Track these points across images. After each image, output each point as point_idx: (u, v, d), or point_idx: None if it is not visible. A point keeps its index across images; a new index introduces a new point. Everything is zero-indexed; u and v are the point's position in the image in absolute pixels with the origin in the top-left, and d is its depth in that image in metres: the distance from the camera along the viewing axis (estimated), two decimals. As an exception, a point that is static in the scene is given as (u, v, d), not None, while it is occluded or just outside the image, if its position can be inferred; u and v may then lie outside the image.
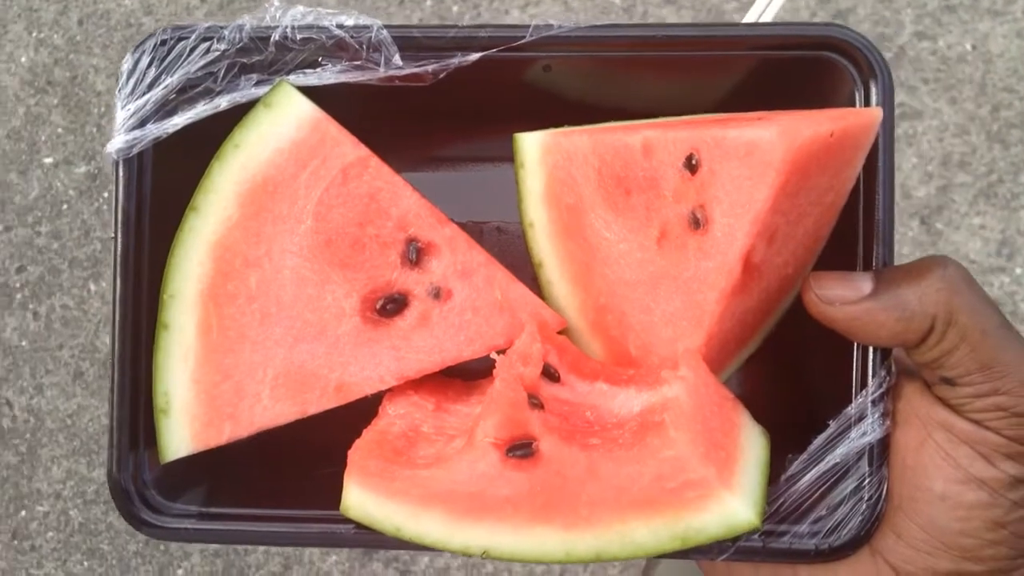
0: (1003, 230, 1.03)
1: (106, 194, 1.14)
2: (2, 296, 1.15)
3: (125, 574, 1.14)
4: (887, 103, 0.43)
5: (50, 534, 1.15)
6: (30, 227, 1.15)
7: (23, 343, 1.14)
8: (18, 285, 1.15)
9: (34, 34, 1.17)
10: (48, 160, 1.15)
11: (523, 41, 0.45)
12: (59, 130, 1.15)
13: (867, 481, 0.43)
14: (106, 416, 1.11)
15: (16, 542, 1.15)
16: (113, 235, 0.46)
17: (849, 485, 0.43)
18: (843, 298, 0.41)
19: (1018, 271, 1.03)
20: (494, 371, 0.44)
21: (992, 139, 1.03)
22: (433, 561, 1.04)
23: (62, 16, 1.17)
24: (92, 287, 1.14)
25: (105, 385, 1.14)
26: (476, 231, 0.55)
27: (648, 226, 0.45)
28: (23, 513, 1.15)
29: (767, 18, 0.54)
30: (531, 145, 0.48)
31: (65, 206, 1.15)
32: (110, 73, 1.17)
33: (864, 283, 0.41)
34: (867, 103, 0.44)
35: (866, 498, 0.43)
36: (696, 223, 0.44)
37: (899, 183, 0.99)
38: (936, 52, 1.05)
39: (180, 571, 1.13)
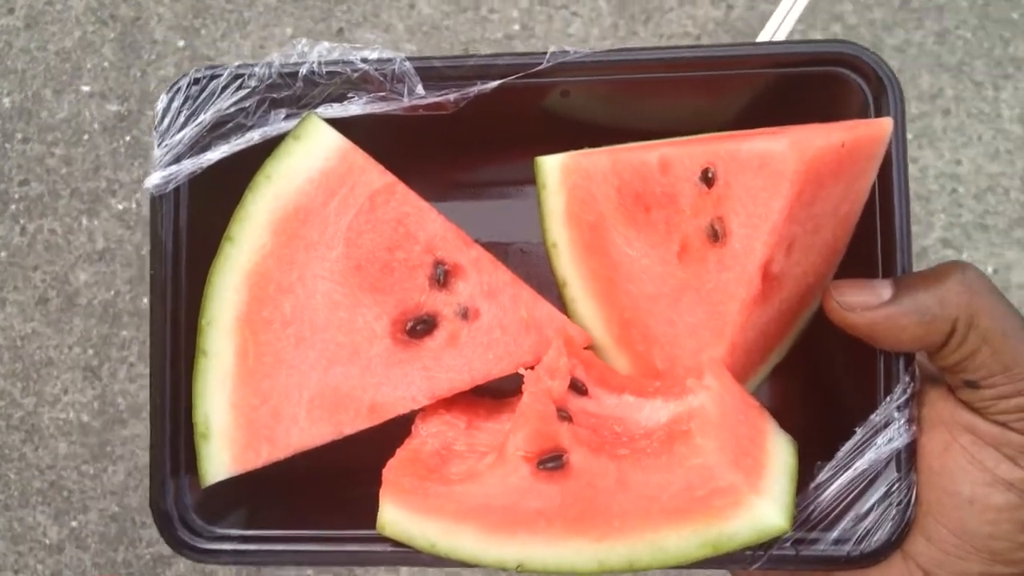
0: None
1: (128, 137, 1.16)
2: None
3: (23, 508, 1.14)
4: (898, 114, 0.44)
5: None
6: (46, 145, 1.16)
7: (1, 254, 1.16)
8: (16, 197, 1.16)
9: None
10: (86, 88, 1.17)
11: (541, 67, 0.46)
12: (105, 64, 1.17)
13: (896, 487, 0.43)
14: (54, 349, 1.13)
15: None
16: (151, 269, 0.48)
17: (878, 491, 0.43)
18: (864, 304, 0.42)
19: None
20: (523, 386, 0.45)
21: None
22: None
23: None
24: (84, 221, 1.15)
25: (64, 318, 1.14)
26: (501, 253, 0.56)
27: (668, 241, 0.46)
28: None
29: (780, 37, 0.56)
30: (552, 167, 0.49)
31: (86, 136, 1.16)
32: (171, 26, 1.18)
33: (884, 289, 0.42)
34: (878, 114, 0.45)
35: (895, 503, 0.43)
36: (715, 236, 0.45)
37: None
38: None
39: (74, 523, 1.14)
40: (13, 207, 1.16)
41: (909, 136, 1.01)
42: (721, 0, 1.10)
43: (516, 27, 1.15)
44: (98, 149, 1.17)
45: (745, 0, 1.10)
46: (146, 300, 1.15)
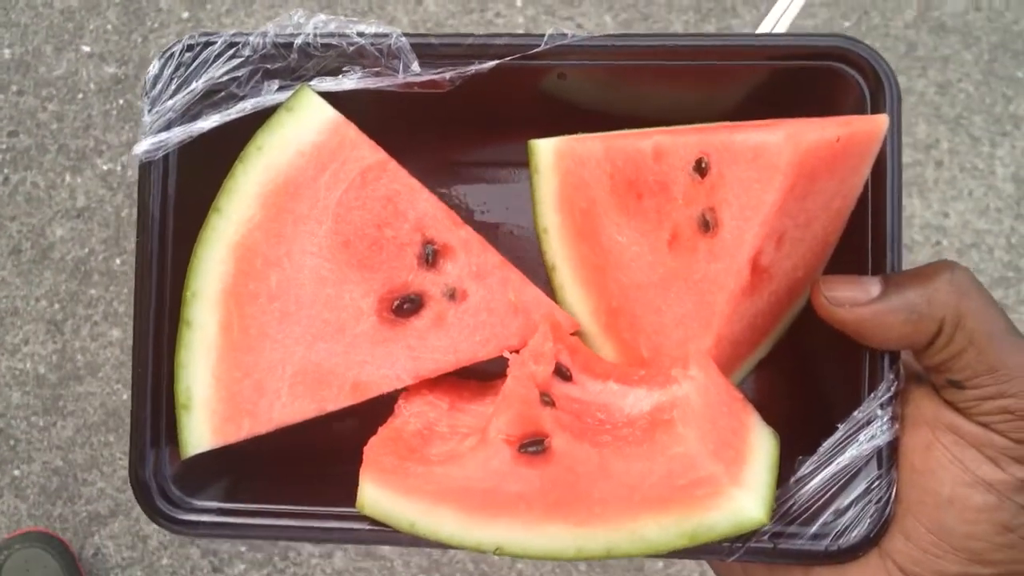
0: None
1: (122, 101, 1.17)
2: None
3: None
4: (894, 112, 0.44)
5: None
6: (40, 100, 1.17)
7: None
8: (3, 147, 1.17)
9: None
10: (86, 48, 1.18)
11: (538, 50, 0.46)
12: (108, 26, 1.18)
13: (876, 484, 0.43)
14: (21, 299, 1.14)
15: None
16: (137, 237, 0.47)
17: (858, 487, 0.43)
18: (852, 300, 0.42)
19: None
20: (507, 370, 0.45)
21: None
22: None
23: None
24: (68, 178, 1.16)
25: (35, 270, 1.15)
26: (491, 235, 0.56)
27: (659, 229, 0.46)
28: None
29: (780, 29, 0.55)
30: (545, 151, 0.49)
31: (80, 95, 1.17)
32: None
33: (873, 286, 0.42)
34: (875, 112, 0.44)
35: (875, 500, 0.43)
36: (706, 226, 0.44)
37: None
38: None
39: (17, 472, 1.15)
40: (0, 157, 1.16)
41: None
42: (732, 18, 1.10)
43: (519, 32, 1.16)
44: (91, 109, 1.17)
45: (756, 19, 1.09)
46: (119, 261, 1.15)
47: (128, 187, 1.16)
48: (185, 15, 1.18)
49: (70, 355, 1.15)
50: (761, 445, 0.44)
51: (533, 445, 0.43)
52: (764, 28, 0.54)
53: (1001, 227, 1.08)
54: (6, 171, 1.16)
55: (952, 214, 1.07)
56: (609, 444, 0.43)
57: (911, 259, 1.06)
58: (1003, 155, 1.09)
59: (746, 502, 0.40)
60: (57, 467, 1.15)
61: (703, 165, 0.44)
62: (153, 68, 0.47)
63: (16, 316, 1.16)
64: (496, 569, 1.14)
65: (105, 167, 1.16)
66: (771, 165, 0.41)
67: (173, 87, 0.47)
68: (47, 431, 1.16)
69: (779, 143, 0.41)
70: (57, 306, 1.15)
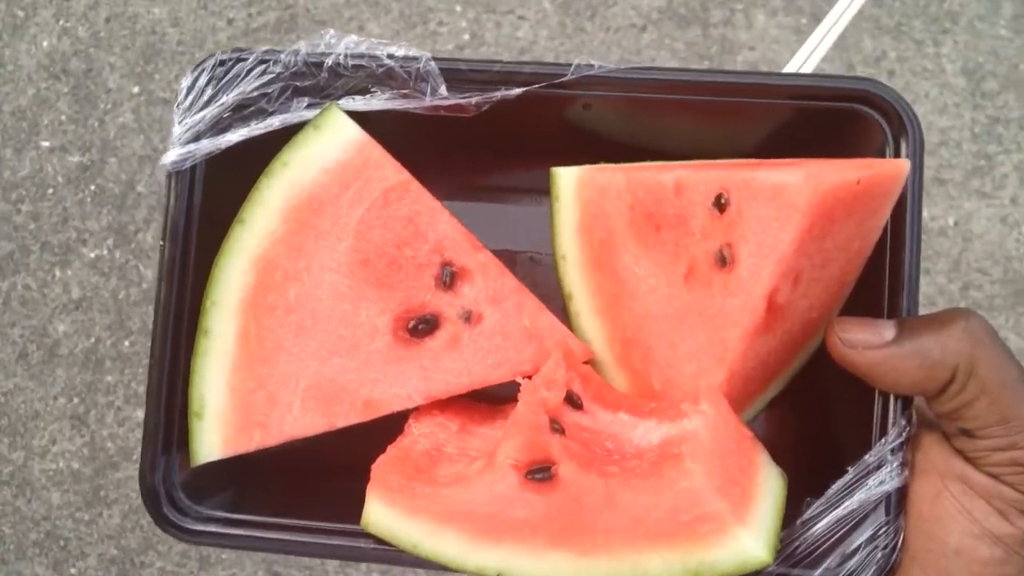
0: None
1: (93, 187, 1.17)
2: None
3: (20, 561, 1.14)
4: (916, 156, 0.44)
5: None
6: (12, 204, 1.17)
7: None
8: None
9: (61, 22, 1.20)
10: (45, 144, 1.18)
11: (564, 79, 0.46)
12: (62, 117, 1.18)
13: (883, 530, 0.43)
14: (39, 401, 1.13)
15: (-80, 508, 1.16)
16: (161, 243, 0.48)
17: (865, 533, 0.43)
18: (866, 343, 0.42)
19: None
20: (519, 395, 0.45)
21: None
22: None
23: (91, 11, 1.20)
24: (58, 273, 1.16)
25: (47, 371, 1.14)
26: (510, 260, 0.56)
27: (676, 262, 0.46)
28: None
29: (807, 70, 0.56)
30: (567, 179, 0.49)
31: (51, 191, 1.17)
32: (124, 73, 1.19)
33: (887, 330, 0.42)
34: (896, 156, 0.44)
35: (881, 547, 0.43)
36: (723, 261, 0.45)
37: None
38: None
39: (73, 570, 1.14)
40: None
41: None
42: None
43: (466, 36, 1.16)
44: (64, 201, 1.17)
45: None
46: (127, 343, 1.15)
47: (120, 269, 1.16)
48: (136, 90, 1.19)
49: (100, 445, 1.15)
50: (768, 484, 0.44)
51: (540, 472, 0.43)
52: (791, 68, 0.55)
53: (963, 120, 1.10)
54: None
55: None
56: (616, 475, 0.43)
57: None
58: (948, 52, 1.11)
59: (750, 541, 0.40)
60: (113, 556, 1.14)
61: (722, 201, 0.44)
62: (186, 81, 0.48)
63: (38, 419, 1.16)
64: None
65: (92, 255, 1.17)
66: (790, 204, 0.41)
67: (204, 100, 0.48)
68: (94, 524, 1.15)
69: (799, 183, 0.41)
70: (76, 400, 1.15)
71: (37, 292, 1.17)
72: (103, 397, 1.15)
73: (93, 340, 1.15)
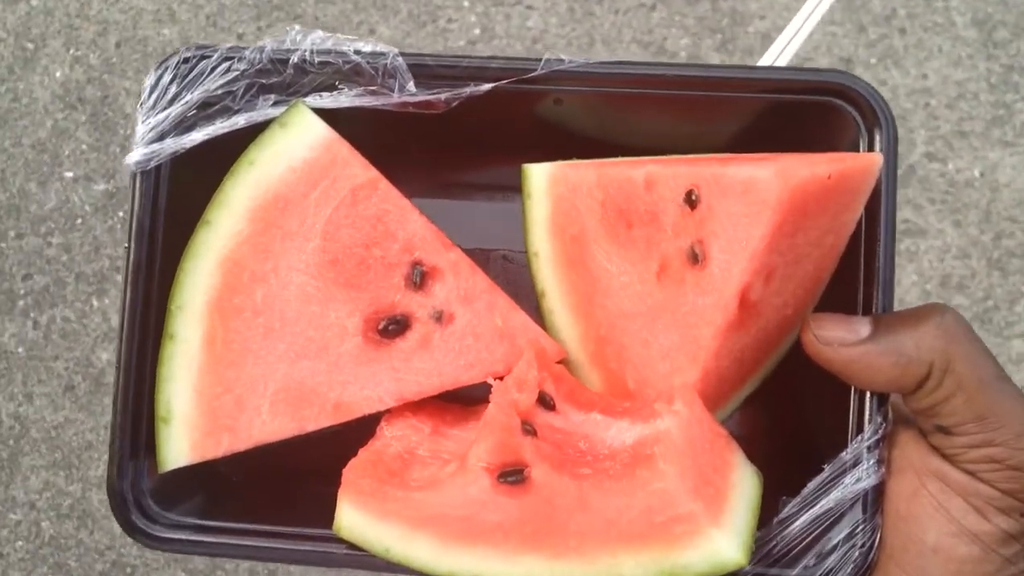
0: (997, 355, 1.04)
1: (121, 213, 1.16)
2: (6, 301, 1.15)
3: None
4: (890, 151, 0.43)
5: (19, 543, 1.14)
6: (42, 237, 1.15)
7: (19, 350, 1.15)
8: (22, 292, 1.15)
9: (71, 51, 1.19)
10: (69, 174, 1.16)
11: (534, 74, 0.46)
12: (83, 146, 1.17)
13: (860, 528, 0.42)
14: (91, 432, 1.11)
15: (-16, 547, 1.14)
16: (127, 245, 0.47)
17: (842, 531, 0.43)
18: (841, 340, 0.41)
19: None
20: (490, 396, 0.44)
21: (992, 266, 1.06)
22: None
23: (100, 37, 1.19)
24: (95, 302, 1.15)
25: (95, 400, 1.13)
26: (483, 258, 0.55)
27: (648, 259, 0.46)
28: None
29: (782, 63, 0.55)
30: (538, 176, 0.49)
31: (79, 220, 1.16)
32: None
33: (863, 327, 0.41)
34: (871, 150, 0.44)
35: (859, 545, 0.42)
36: (695, 258, 0.44)
37: (897, 297, 1.02)
38: (945, 175, 1.08)
39: None
40: (21, 303, 1.15)
41: (872, 60, 1.04)
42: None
43: (477, 31, 1.16)
44: (94, 230, 1.16)
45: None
46: None
47: None
48: None
49: (155, 468, 1.14)
50: (743, 484, 0.43)
51: (512, 475, 0.42)
52: (765, 62, 0.54)
53: (978, 71, 1.11)
54: (33, 315, 1.15)
55: (930, 74, 1.10)
56: (589, 477, 0.42)
57: (907, 125, 1.08)
58: (956, 4, 1.12)
59: (724, 543, 0.39)
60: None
61: (693, 197, 0.43)
62: (149, 79, 0.47)
63: (92, 449, 1.14)
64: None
65: None
66: (760, 200, 0.41)
67: (168, 98, 0.47)
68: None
69: (769, 178, 0.40)
70: None
71: (77, 323, 1.15)
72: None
73: (137, 367, 1.14)
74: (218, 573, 1.12)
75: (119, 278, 1.15)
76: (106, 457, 1.10)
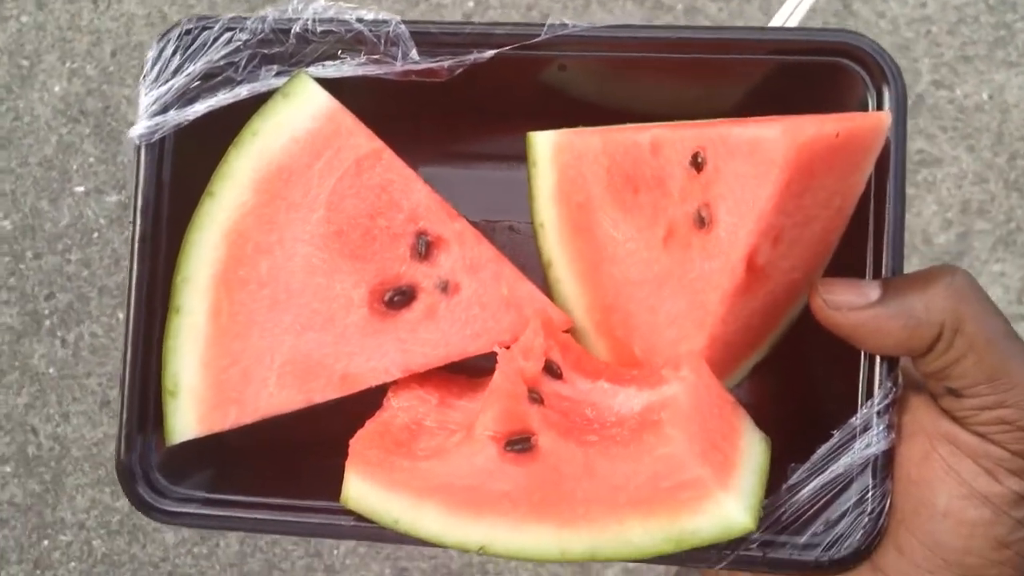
0: (1022, 277, 1.04)
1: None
2: (31, 323, 1.14)
3: None
4: (899, 110, 0.43)
5: (72, 564, 1.14)
6: (60, 255, 1.15)
7: (50, 370, 1.14)
8: (47, 312, 1.15)
9: (67, 64, 1.18)
10: (79, 189, 1.16)
11: (538, 39, 0.45)
12: (91, 159, 1.16)
13: (870, 494, 0.42)
14: None
15: (38, 572, 1.14)
16: (131, 219, 0.47)
17: (852, 497, 0.42)
18: (850, 304, 0.41)
19: (1039, 319, 1.04)
20: (496, 365, 0.44)
21: (1010, 187, 1.05)
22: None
23: (95, 47, 1.18)
24: (121, 315, 1.14)
25: None
26: (489, 229, 0.55)
27: (655, 225, 0.45)
28: (46, 543, 1.14)
29: (792, 24, 0.54)
30: (544, 144, 0.48)
31: (96, 234, 1.15)
32: None
33: (872, 290, 0.41)
34: (880, 109, 0.43)
35: (869, 511, 0.42)
36: (701, 222, 0.43)
37: (919, 229, 1.03)
38: (953, 101, 1.08)
39: None
40: (47, 323, 1.15)
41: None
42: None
43: (471, 3, 1.14)
44: (112, 243, 1.15)
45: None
46: None
47: None
48: None
49: (200, 476, 1.14)
50: (751, 449, 0.43)
51: (519, 443, 0.42)
52: (776, 23, 0.53)
53: None
54: (60, 333, 1.14)
55: (929, 2, 1.09)
56: (596, 444, 0.42)
57: (910, 55, 1.07)
58: None
59: (732, 507, 0.39)
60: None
61: (699, 160, 0.43)
62: (152, 51, 0.47)
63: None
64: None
65: None
66: (767, 160, 0.40)
67: (170, 70, 0.46)
68: (213, 555, 1.12)
69: (776, 137, 0.40)
70: None
71: (105, 338, 1.15)
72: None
73: (170, 375, 1.14)
74: (274, 573, 1.13)
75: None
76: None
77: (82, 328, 1.15)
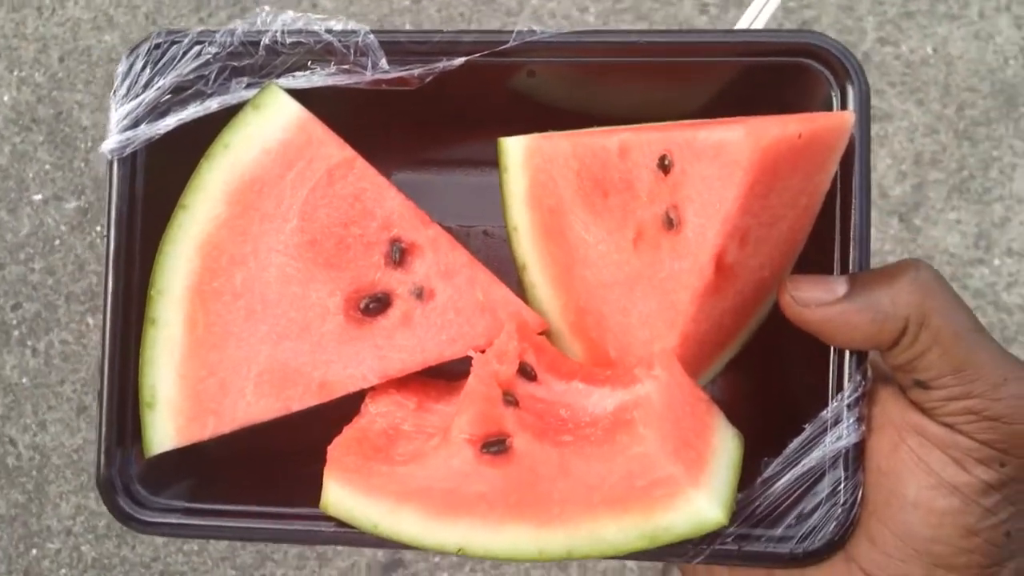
0: (978, 223, 1.06)
1: (99, 228, 1.14)
2: (0, 335, 1.14)
3: None
4: (862, 108, 0.43)
5: (63, 571, 1.13)
6: (23, 264, 1.14)
7: (23, 380, 1.13)
8: (15, 323, 1.14)
9: (15, 72, 1.16)
10: (37, 197, 1.14)
11: (507, 46, 0.46)
12: (47, 167, 1.15)
13: (842, 486, 0.43)
14: None
15: (30, 581, 1.13)
16: (105, 233, 0.47)
17: (824, 489, 0.43)
18: (818, 300, 0.42)
19: (996, 262, 1.06)
20: (471, 369, 0.44)
21: (960, 137, 1.07)
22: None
23: (42, 54, 1.17)
24: (90, 321, 1.13)
25: None
26: (463, 235, 0.55)
27: (624, 227, 0.46)
28: (34, 552, 1.13)
29: (759, 26, 0.55)
30: (515, 149, 0.49)
31: (57, 241, 1.14)
32: (95, 108, 1.16)
33: (839, 286, 0.42)
34: (844, 108, 0.44)
35: (841, 503, 0.42)
36: (670, 223, 0.44)
37: (876, 182, 1.04)
38: (900, 57, 1.09)
39: None
40: (16, 333, 1.13)
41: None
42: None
43: (488, 28, 1.14)
44: (74, 249, 1.14)
45: None
46: None
47: None
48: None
49: (183, 476, 1.13)
50: (724, 446, 0.43)
51: (495, 445, 0.42)
52: (741, 27, 0.54)
53: None
54: (30, 343, 1.13)
55: None
56: (571, 444, 0.42)
57: (854, 15, 1.09)
58: None
59: (704, 503, 0.40)
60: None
61: (666, 162, 0.44)
62: (121, 66, 0.47)
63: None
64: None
65: None
66: (732, 162, 0.41)
67: (140, 85, 0.47)
68: (204, 551, 1.11)
69: (740, 140, 0.40)
70: None
71: (76, 344, 1.14)
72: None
73: (145, 377, 1.13)
74: (267, 564, 1.12)
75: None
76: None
77: (52, 336, 1.14)
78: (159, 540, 1.12)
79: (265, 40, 0.46)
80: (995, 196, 1.06)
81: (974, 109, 1.08)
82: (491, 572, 1.09)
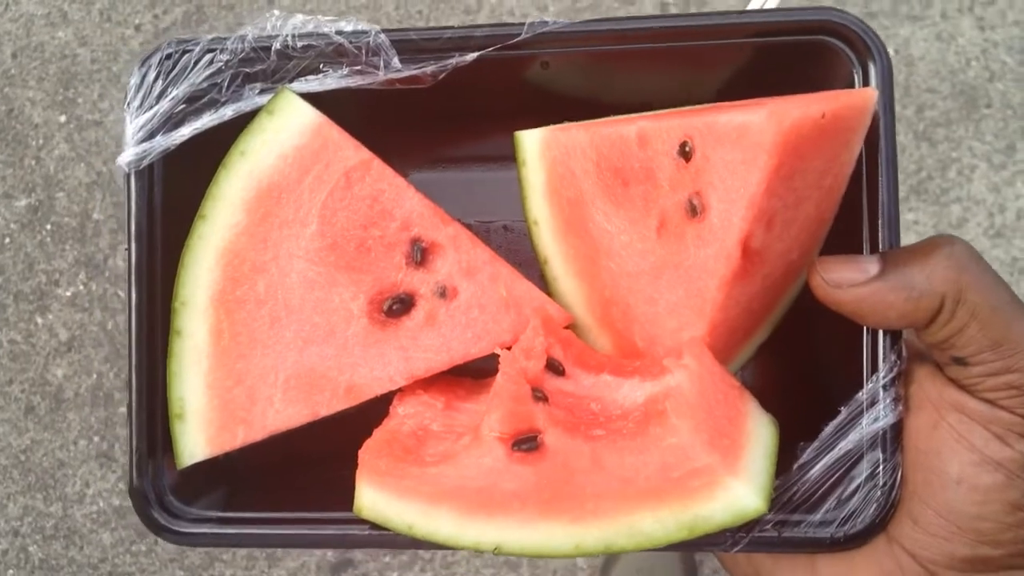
0: (935, 224, 1.07)
1: (49, 226, 1.13)
2: None
3: None
4: (885, 84, 0.42)
5: (11, 572, 1.14)
6: None
7: None
8: None
9: None
10: None
11: (519, 39, 0.45)
12: None
13: (881, 467, 0.42)
14: (60, 450, 1.10)
15: (-25, 582, 1.13)
16: (127, 247, 0.47)
17: (863, 472, 0.42)
18: (850, 280, 0.41)
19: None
20: (498, 366, 0.44)
21: (919, 138, 1.07)
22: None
23: None
24: (39, 320, 1.13)
25: (58, 418, 1.11)
26: (483, 231, 0.55)
27: (647, 216, 0.45)
28: None
29: (772, 5, 0.54)
30: (531, 142, 0.48)
31: (7, 240, 1.14)
32: (46, 105, 1.15)
33: (871, 265, 0.41)
34: (866, 85, 0.43)
35: (880, 484, 0.42)
36: (693, 211, 0.43)
37: None
38: None
39: None
40: None
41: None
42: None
43: (499, 22, 1.14)
44: (24, 247, 1.14)
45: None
46: None
47: (100, 300, 1.10)
48: (62, 119, 1.13)
49: (134, 476, 1.13)
50: (759, 432, 0.43)
51: (526, 442, 0.42)
52: (753, 7, 0.53)
53: None
54: None
55: None
56: (603, 438, 0.42)
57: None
58: None
59: (742, 491, 0.39)
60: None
61: (687, 149, 0.43)
62: (134, 78, 0.47)
63: (65, 467, 1.12)
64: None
65: (68, 293, 1.12)
66: (755, 145, 0.40)
67: (154, 96, 0.47)
68: (153, 552, 1.12)
69: (762, 122, 0.40)
70: (97, 439, 1.12)
71: (24, 344, 1.14)
72: (122, 429, 1.12)
73: (95, 376, 1.13)
74: (216, 565, 1.12)
75: (60, 291, 1.13)
76: (80, 473, 1.09)
77: (0, 336, 1.14)
78: (107, 541, 1.13)
79: (276, 45, 0.46)
80: (953, 197, 1.06)
81: (934, 110, 1.07)
82: (441, 572, 1.08)
